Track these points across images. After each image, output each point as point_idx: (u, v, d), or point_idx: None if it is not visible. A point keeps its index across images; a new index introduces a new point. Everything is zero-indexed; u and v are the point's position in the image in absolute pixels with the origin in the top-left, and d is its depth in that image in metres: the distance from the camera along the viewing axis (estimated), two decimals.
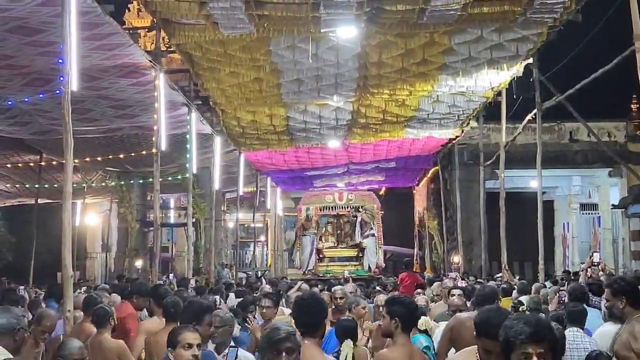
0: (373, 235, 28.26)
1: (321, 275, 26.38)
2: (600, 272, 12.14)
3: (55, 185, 22.12)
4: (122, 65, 12.91)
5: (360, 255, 28.29)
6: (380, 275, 25.80)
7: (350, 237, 29.13)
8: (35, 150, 20.36)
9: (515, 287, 13.41)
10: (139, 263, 26.45)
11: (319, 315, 5.54)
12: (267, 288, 11.17)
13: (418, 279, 17.00)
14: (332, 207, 29.39)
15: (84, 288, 17.00)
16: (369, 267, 27.67)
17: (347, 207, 29.39)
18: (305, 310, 5.64)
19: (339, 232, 29.46)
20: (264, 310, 8.85)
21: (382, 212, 30.29)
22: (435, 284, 13.70)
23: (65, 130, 8.82)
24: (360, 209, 28.88)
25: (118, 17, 11.50)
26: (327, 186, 30.75)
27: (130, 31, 16.21)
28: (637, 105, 31.35)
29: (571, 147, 28.44)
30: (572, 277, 15.52)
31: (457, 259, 28.55)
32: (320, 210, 29.38)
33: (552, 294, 11.43)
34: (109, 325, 8.03)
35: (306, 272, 27.61)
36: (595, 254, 12.64)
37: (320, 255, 28.38)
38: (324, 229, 29.88)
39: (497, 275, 19.45)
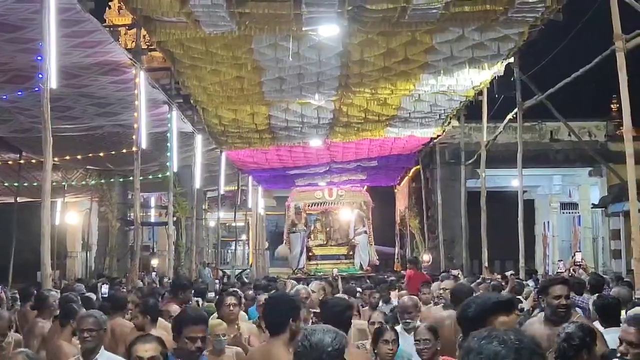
0: (365, 232, 27.39)
1: (312, 274, 25.33)
2: (582, 271, 12.20)
3: (35, 184, 21.94)
4: (103, 63, 12.86)
5: (351, 253, 27.38)
6: (372, 274, 24.70)
7: (340, 235, 28.21)
8: (15, 149, 20.21)
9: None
10: (155, 262, 26.37)
11: (285, 314, 5.40)
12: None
13: (424, 276, 16.20)
14: (321, 204, 28.50)
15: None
16: (361, 265, 26.81)
17: (337, 203, 28.49)
18: (272, 309, 5.59)
19: (328, 229, 28.41)
20: (231, 309, 8.11)
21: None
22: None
23: (44, 128, 8.80)
24: (353, 205, 27.96)
25: (98, 15, 11.45)
26: (309, 185, 30.50)
27: (111, 29, 16.17)
28: (617, 105, 31.48)
29: (552, 146, 28.56)
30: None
31: (426, 257, 28.57)
32: (310, 206, 28.45)
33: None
34: (69, 326, 7.92)
35: (296, 270, 26.61)
36: (577, 254, 12.69)
37: (310, 254, 27.44)
38: (312, 226, 29.06)
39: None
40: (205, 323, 5.64)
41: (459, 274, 17.49)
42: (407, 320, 7.87)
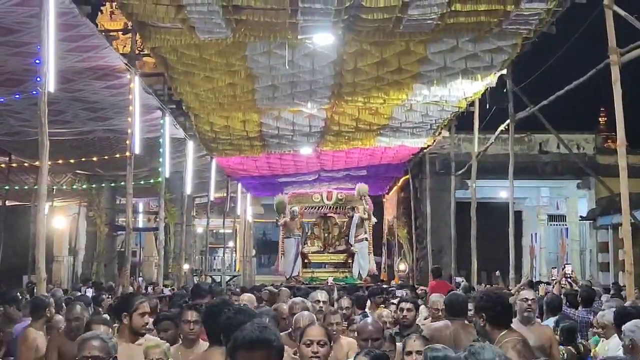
0: (366, 239, 25.77)
1: (306, 282, 23.45)
2: (573, 283, 12.25)
3: (26, 187, 21.87)
4: (97, 68, 12.83)
5: (350, 261, 25.78)
6: (371, 284, 22.42)
7: (339, 241, 26.62)
8: (4, 152, 20.12)
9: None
10: (186, 266, 26.14)
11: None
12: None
13: (448, 286, 15.15)
14: (319, 208, 26.80)
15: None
16: (359, 274, 25.23)
17: (337, 208, 26.87)
18: (213, 317, 5.25)
19: (326, 235, 26.87)
20: (192, 327, 6.77)
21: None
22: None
23: (40, 132, 8.76)
24: (354, 210, 26.10)
25: (91, 20, 11.42)
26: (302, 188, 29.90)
27: (103, 33, 16.16)
28: (605, 118, 31.74)
29: (540, 158, 28.69)
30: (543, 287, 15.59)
31: (402, 266, 28.39)
32: (307, 210, 26.89)
33: None
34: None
35: (290, 278, 24.95)
36: (567, 266, 12.72)
37: (305, 261, 25.88)
38: (309, 231, 27.56)
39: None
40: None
41: (463, 281, 17.21)
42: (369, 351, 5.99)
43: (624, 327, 6.53)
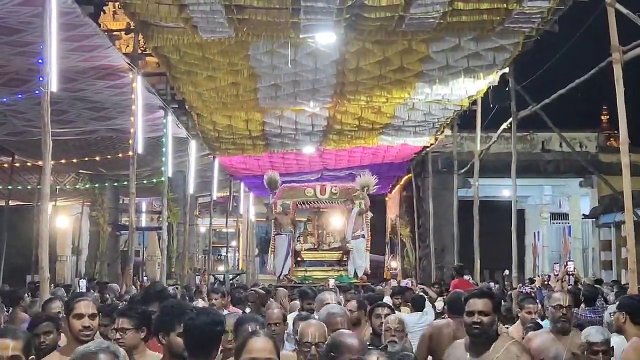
0: (363, 236, 24.19)
1: (298, 281, 22.08)
2: (573, 280, 12.24)
3: (29, 187, 21.88)
4: (100, 67, 12.85)
5: (345, 259, 24.27)
6: (367, 283, 21.65)
7: (333, 238, 25.24)
8: (7, 152, 20.14)
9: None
10: (221, 268, 25.84)
11: (212, 338, 4.64)
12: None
13: (470, 285, 14.43)
14: (312, 202, 25.22)
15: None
16: (355, 273, 23.67)
17: (331, 202, 25.36)
18: (197, 333, 4.65)
19: (320, 231, 25.57)
20: (127, 335, 5.59)
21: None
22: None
23: (43, 132, 8.78)
24: (352, 203, 24.34)
25: (94, 20, 11.45)
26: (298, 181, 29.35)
27: (106, 33, 16.18)
28: (608, 117, 31.72)
29: (543, 156, 28.70)
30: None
31: (394, 264, 28.30)
32: (299, 205, 25.22)
33: None
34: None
35: (281, 277, 23.54)
36: (569, 263, 12.71)
37: (298, 259, 24.37)
38: (302, 228, 26.11)
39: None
40: None
41: (469, 279, 17.01)
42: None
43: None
